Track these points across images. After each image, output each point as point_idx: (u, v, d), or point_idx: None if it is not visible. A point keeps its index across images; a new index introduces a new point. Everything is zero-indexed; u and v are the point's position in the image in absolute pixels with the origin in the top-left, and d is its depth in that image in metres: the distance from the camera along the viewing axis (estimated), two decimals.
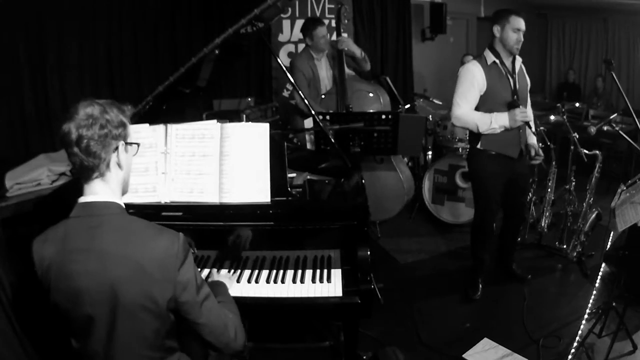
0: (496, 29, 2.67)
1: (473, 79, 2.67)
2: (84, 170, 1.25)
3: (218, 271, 1.83)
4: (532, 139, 2.88)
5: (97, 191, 1.27)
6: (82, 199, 1.28)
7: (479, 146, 2.80)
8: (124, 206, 1.31)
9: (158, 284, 1.22)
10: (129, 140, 1.33)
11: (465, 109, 2.70)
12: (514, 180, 2.89)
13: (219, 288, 1.55)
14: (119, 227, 1.25)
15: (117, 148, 1.28)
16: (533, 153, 2.84)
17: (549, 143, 3.62)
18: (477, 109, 2.72)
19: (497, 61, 2.69)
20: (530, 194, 3.88)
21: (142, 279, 1.20)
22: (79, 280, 1.21)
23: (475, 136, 2.80)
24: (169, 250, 1.23)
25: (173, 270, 1.23)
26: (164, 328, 1.29)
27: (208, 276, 1.80)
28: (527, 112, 2.67)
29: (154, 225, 1.29)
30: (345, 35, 3.63)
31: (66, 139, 1.21)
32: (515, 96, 2.70)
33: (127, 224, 1.27)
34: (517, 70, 2.75)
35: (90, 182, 1.27)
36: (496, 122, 2.65)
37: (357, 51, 3.59)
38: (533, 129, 2.73)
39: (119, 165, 1.30)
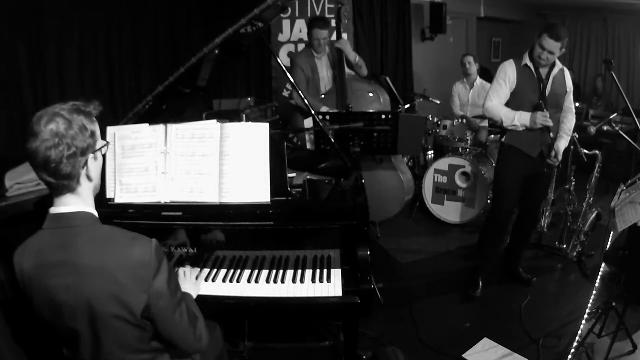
0: (535, 38, 2.78)
1: (505, 77, 2.86)
2: (54, 189, 1.23)
3: (184, 271, 1.78)
4: (560, 143, 2.89)
5: (69, 203, 1.24)
6: (53, 210, 1.25)
7: (504, 140, 2.98)
8: (96, 215, 1.29)
9: (133, 294, 1.20)
10: (97, 146, 1.27)
11: (495, 103, 2.89)
12: (532, 180, 2.96)
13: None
14: (92, 239, 1.22)
15: (86, 162, 1.23)
16: (553, 154, 2.86)
17: None
18: (507, 104, 2.88)
19: (532, 66, 2.80)
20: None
21: (117, 290, 1.19)
22: (58, 296, 1.20)
23: (502, 131, 3.01)
24: (142, 260, 1.21)
25: (147, 280, 1.22)
26: (147, 334, 1.29)
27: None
28: (548, 117, 2.72)
29: (127, 234, 1.26)
30: (345, 36, 3.62)
31: (34, 160, 1.17)
32: (541, 100, 2.76)
33: (100, 235, 1.25)
34: (552, 77, 2.81)
35: (61, 196, 1.24)
36: (519, 120, 2.81)
37: (352, 56, 3.58)
38: (552, 135, 2.76)
39: (89, 177, 1.26)
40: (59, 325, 1.25)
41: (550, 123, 2.73)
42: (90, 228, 1.25)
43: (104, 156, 1.35)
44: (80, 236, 1.22)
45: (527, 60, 2.81)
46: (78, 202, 1.25)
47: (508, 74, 2.85)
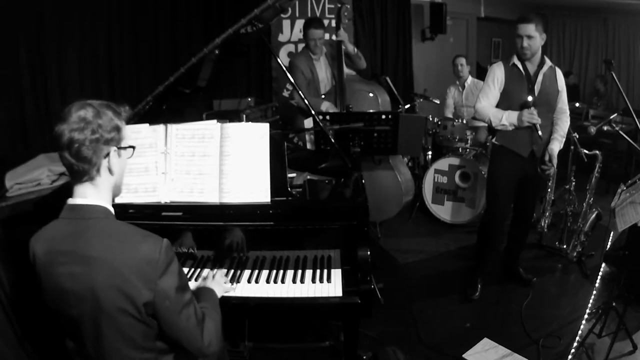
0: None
1: (494, 78, 2.88)
2: (74, 173, 1.26)
3: (214, 274, 1.82)
4: (554, 146, 2.87)
5: (86, 194, 1.27)
6: (70, 201, 1.28)
7: (494, 141, 2.99)
8: (112, 210, 1.31)
9: (137, 289, 1.21)
10: (123, 144, 1.31)
11: (484, 104, 2.90)
12: (525, 181, 2.96)
13: (205, 293, 1.55)
14: (104, 232, 1.25)
15: (108, 154, 1.27)
16: (547, 157, 2.84)
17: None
18: (498, 105, 2.89)
19: (519, 64, 2.80)
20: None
21: (122, 284, 1.20)
22: (64, 283, 1.22)
23: (492, 132, 3.01)
24: (150, 257, 1.23)
25: (153, 278, 1.22)
26: (152, 331, 1.29)
27: (202, 276, 1.80)
28: (534, 114, 2.71)
29: (139, 231, 1.28)
30: (345, 34, 3.63)
31: (58, 141, 1.21)
32: (530, 97, 2.76)
33: (112, 229, 1.27)
34: (541, 74, 2.80)
35: (80, 184, 1.27)
36: (507, 119, 2.81)
37: (350, 47, 3.60)
38: (540, 133, 2.74)
39: (110, 170, 1.29)
40: (64, 314, 1.27)
41: (536, 120, 2.71)
42: (103, 221, 1.27)
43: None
44: (92, 228, 1.24)
45: (514, 60, 2.82)
46: (95, 195, 1.28)
47: (496, 74, 2.86)
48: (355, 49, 3.62)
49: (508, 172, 2.91)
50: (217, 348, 1.40)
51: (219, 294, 1.64)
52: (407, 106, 4.61)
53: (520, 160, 2.87)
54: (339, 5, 3.57)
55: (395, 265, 3.62)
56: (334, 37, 3.87)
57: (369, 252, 1.77)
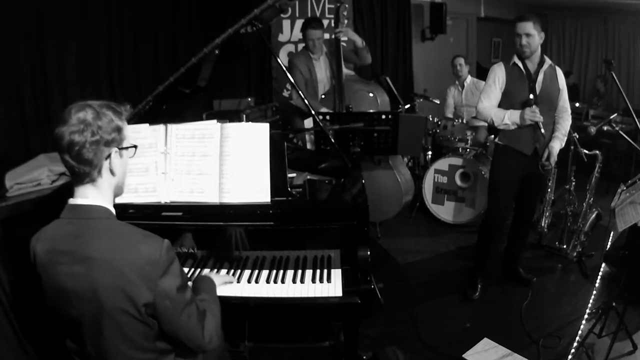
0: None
1: (495, 78, 2.89)
2: (76, 175, 1.26)
3: (218, 272, 1.83)
4: (554, 144, 2.87)
5: (87, 195, 1.27)
6: (72, 201, 1.28)
7: (497, 140, 2.98)
8: (113, 211, 1.32)
9: (138, 289, 1.21)
10: (124, 145, 1.31)
11: (486, 105, 2.91)
12: (527, 180, 2.96)
13: (205, 284, 1.55)
14: (105, 232, 1.25)
15: (109, 155, 1.27)
16: (546, 154, 2.84)
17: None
18: (500, 105, 2.90)
19: (520, 63, 2.82)
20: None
21: (123, 284, 1.20)
22: (64, 282, 1.23)
23: (493, 131, 3.02)
24: (150, 257, 1.23)
25: (154, 278, 1.22)
26: (153, 331, 1.29)
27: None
28: (537, 112, 2.71)
29: (140, 232, 1.28)
30: (349, 29, 3.61)
31: (58, 144, 1.21)
32: (532, 95, 2.77)
33: (113, 229, 1.27)
34: (541, 73, 2.81)
35: (81, 185, 1.28)
36: (509, 118, 2.81)
37: (359, 40, 3.59)
38: (542, 130, 2.75)
39: (112, 171, 1.30)
40: (64, 314, 1.27)
41: (539, 118, 2.72)
42: (104, 222, 1.27)
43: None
44: (93, 229, 1.24)
45: (515, 59, 2.84)
46: (96, 195, 1.28)
47: (497, 74, 2.87)
48: (363, 42, 3.62)
49: (510, 171, 2.92)
50: (218, 343, 1.40)
51: (218, 284, 1.64)
52: (407, 106, 4.61)
53: (523, 158, 2.87)
54: (338, 5, 3.56)
55: (395, 265, 3.62)
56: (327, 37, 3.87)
57: (369, 252, 1.77)
